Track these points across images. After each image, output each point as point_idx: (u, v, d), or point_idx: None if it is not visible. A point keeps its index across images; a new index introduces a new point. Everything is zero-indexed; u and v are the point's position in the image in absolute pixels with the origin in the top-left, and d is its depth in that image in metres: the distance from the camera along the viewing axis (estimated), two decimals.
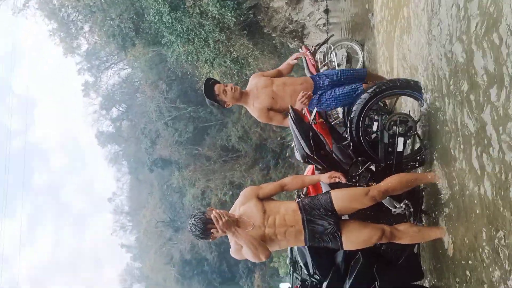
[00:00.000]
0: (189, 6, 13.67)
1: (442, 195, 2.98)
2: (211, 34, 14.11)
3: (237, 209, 2.98)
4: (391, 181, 2.98)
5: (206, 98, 3.73)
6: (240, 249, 2.93)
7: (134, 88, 35.62)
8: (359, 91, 3.55)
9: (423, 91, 3.30)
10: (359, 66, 7.04)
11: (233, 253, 3.03)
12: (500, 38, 1.86)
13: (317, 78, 3.70)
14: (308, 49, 6.71)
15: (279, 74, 3.92)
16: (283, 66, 4.06)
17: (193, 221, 2.85)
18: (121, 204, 51.34)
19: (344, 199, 2.93)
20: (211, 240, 3.00)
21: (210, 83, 3.68)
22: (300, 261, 3.88)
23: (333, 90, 3.64)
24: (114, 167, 51.08)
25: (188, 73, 21.88)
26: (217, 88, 3.65)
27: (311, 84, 3.65)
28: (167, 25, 14.57)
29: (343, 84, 3.67)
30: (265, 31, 14.82)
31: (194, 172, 26.65)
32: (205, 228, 2.82)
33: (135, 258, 51.32)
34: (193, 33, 14.33)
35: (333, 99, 3.65)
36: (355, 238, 2.92)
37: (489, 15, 1.97)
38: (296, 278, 4.31)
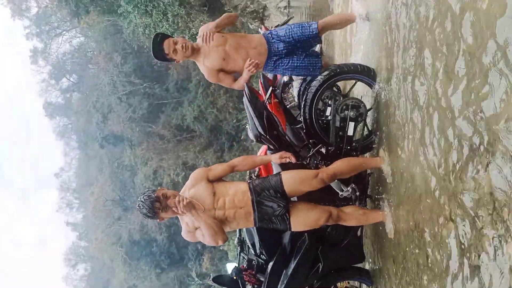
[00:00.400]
0: None
1: (386, 181, 3.05)
2: (170, 8, 13.68)
3: (186, 191, 2.94)
4: (340, 165, 3.04)
5: (153, 56, 3.55)
6: (193, 232, 2.91)
7: (86, 58, 34.12)
8: (317, 67, 3.54)
9: (377, 78, 3.33)
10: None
11: (185, 235, 2.99)
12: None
13: (272, 41, 3.51)
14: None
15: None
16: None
17: (141, 199, 2.81)
18: (69, 180, 49.68)
19: (294, 181, 2.95)
20: (159, 220, 2.96)
21: (158, 40, 3.45)
22: (247, 241, 3.89)
23: (291, 59, 3.54)
24: (62, 140, 49.13)
25: (145, 47, 21.23)
26: (166, 46, 3.42)
27: (265, 49, 3.48)
28: None
29: (299, 50, 3.55)
30: (226, 9, 14.54)
31: (147, 150, 26.16)
32: (152, 206, 2.77)
33: (81, 237, 49.98)
34: (152, 5, 13.84)
35: (291, 68, 3.57)
36: (303, 220, 2.96)
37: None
38: (243, 258, 4.32)
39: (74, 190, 49.50)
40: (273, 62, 3.57)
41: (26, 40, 35.03)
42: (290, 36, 3.47)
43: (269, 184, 2.95)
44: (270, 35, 3.53)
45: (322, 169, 3.06)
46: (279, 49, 3.50)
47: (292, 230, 3.02)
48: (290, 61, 3.56)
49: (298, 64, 3.56)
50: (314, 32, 3.46)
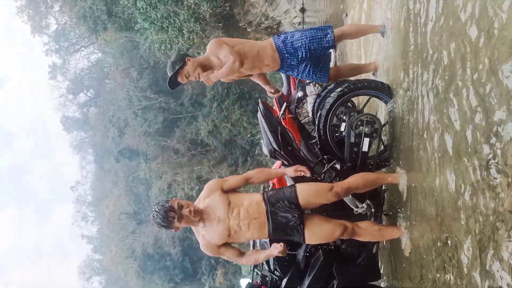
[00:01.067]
0: None
1: (402, 197, 3.02)
2: (185, 24, 13.88)
3: (201, 202, 2.96)
4: (355, 179, 3.02)
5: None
6: (211, 245, 2.94)
7: (103, 74, 34.72)
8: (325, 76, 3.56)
9: (392, 94, 3.33)
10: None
11: (203, 248, 3.01)
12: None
13: (285, 55, 3.44)
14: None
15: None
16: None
17: (156, 208, 2.85)
18: (84, 193, 50.12)
19: (309, 193, 2.94)
20: (173, 230, 2.95)
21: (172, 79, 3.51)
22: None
23: (303, 69, 3.54)
24: (79, 154, 49.79)
25: (161, 62, 21.50)
26: (180, 77, 3.51)
27: (278, 64, 3.47)
28: (141, 10, 14.23)
29: (313, 60, 3.50)
30: (240, 25, 14.70)
31: (161, 164, 26.29)
32: (166, 216, 2.79)
33: (95, 250, 50.20)
34: (168, 21, 14.06)
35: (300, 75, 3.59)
36: (317, 232, 2.94)
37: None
38: (257, 274, 4.29)
39: (89, 203, 49.89)
40: (285, 72, 3.62)
41: (45, 56, 35.88)
42: (307, 48, 3.39)
43: (284, 195, 2.95)
44: (283, 45, 3.42)
45: (337, 183, 3.04)
46: (292, 63, 3.49)
47: (307, 242, 3.01)
48: (301, 72, 3.55)
49: (309, 73, 3.56)
50: (330, 43, 3.43)
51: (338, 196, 2.94)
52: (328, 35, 3.41)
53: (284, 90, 6.20)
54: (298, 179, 3.13)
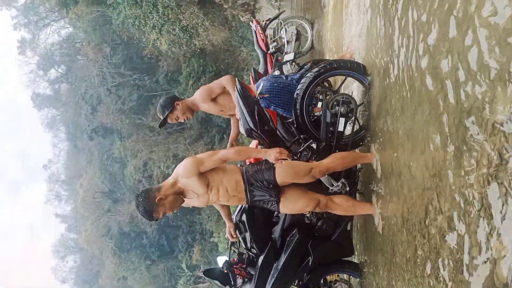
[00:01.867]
0: None
1: (376, 175, 3.09)
2: None
3: (179, 179, 3.03)
4: (332, 161, 3.12)
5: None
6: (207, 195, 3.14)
7: (75, 49, 33.62)
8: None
9: (367, 74, 3.36)
10: (307, 45, 7.08)
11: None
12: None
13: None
14: (259, 24, 6.65)
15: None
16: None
17: (140, 202, 3.00)
18: (57, 172, 49.23)
19: (287, 174, 3.04)
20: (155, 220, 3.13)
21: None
22: (238, 235, 3.91)
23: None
24: (51, 132, 48.60)
25: (135, 38, 20.99)
26: (169, 118, 3.88)
27: None
28: None
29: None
30: (216, 1, 14.42)
31: (136, 142, 25.97)
32: (149, 212, 3.00)
33: (70, 229, 49.70)
34: None
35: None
36: (291, 206, 3.11)
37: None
38: (234, 251, 4.35)
39: (63, 182, 49.08)
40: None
41: (13, 30, 34.46)
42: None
43: (262, 176, 3.04)
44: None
45: (316, 164, 3.12)
46: (276, 101, 3.56)
47: (281, 212, 3.27)
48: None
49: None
50: None
51: (315, 178, 3.07)
52: None
53: (261, 69, 6.21)
54: None
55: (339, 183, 3.27)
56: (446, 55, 1.81)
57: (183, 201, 3.10)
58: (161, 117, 3.83)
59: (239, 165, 3.23)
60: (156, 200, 2.95)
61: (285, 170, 3.02)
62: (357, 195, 3.56)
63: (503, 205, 1.39)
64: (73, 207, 47.28)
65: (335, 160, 3.10)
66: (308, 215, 3.52)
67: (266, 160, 3.05)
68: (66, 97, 38.46)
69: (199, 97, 3.82)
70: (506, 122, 1.37)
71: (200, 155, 3.09)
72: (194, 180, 2.97)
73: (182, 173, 3.00)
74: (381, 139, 2.97)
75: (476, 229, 1.56)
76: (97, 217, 35.17)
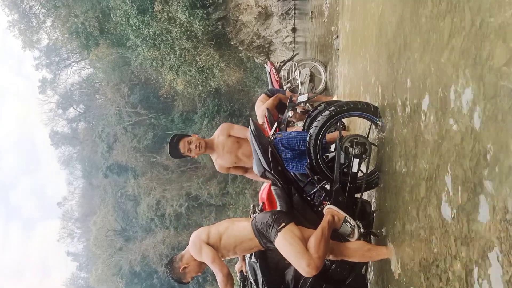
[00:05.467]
0: (158, 11, 13.53)
1: (391, 218, 3.03)
2: (177, 41, 14.01)
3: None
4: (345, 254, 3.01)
5: (170, 156, 3.99)
6: None
7: (94, 89, 34.67)
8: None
9: (381, 116, 3.37)
10: (321, 86, 7.18)
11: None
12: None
13: (280, 148, 3.69)
14: (273, 65, 6.81)
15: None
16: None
17: (167, 272, 3.19)
18: (71, 209, 49.48)
19: (284, 248, 2.84)
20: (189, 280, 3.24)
21: (174, 141, 3.87)
22: (250, 277, 3.83)
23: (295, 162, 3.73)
24: (67, 169, 49.27)
25: (152, 78, 21.61)
26: (181, 146, 3.86)
27: None
28: (134, 27, 14.34)
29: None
30: (232, 43, 14.87)
31: (150, 180, 26.14)
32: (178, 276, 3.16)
33: (81, 268, 49.33)
34: (160, 39, 14.18)
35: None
36: None
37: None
38: None
39: (76, 219, 49.18)
40: None
41: (35, 70, 35.79)
42: (299, 147, 3.68)
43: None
44: (279, 143, 3.69)
45: (312, 258, 2.75)
46: (287, 157, 3.71)
47: (276, 244, 3.00)
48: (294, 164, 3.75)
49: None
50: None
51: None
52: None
53: (269, 88, 6.49)
54: (299, 216, 3.16)
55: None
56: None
57: (206, 264, 3.15)
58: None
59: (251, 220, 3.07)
60: (180, 270, 3.11)
61: (284, 246, 2.82)
62: (372, 237, 3.48)
63: None
64: (85, 245, 47.12)
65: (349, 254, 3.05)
66: None
67: (276, 223, 2.88)
68: (83, 135, 39.28)
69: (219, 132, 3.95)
70: None
71: (205, 240, 3.05)
72: (205, 250, 3.03)
73: (194, 255, 3.09)
74: (394, 181, 2.94)
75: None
76: (109, 256, 34.92)
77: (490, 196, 1.57)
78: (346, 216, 3.07)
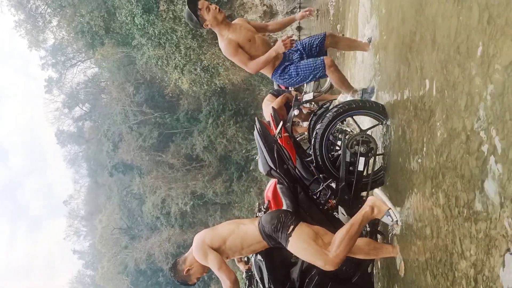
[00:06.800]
0: (163, 10, 13.55)
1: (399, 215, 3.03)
2: (183, 40, 14.03)
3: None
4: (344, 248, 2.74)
5: (187, 7, 3.62)
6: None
7: (99, 88, 34.81)
8: (317, 63, 3.71)
9: (387, 114, 3.37)
10: (326, 84, 7.16)
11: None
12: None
13: (288, 52, 3.79)
14: None
15: (265, 28, 3.96)
16: (276, 22, 4.16)
17: (172, 275, 3.22)
18: (77, 208, 49.74)
19: (297, 250, 2.83)
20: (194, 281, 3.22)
21: None
22: (256, 275, 3.84)
23: (297, 64, 3.77)
24: (73, 168, 49.53)
25: (157, 77, 21.65)
26: (201, 3, 3.57)
27: (281, 54, 3.78)
28: (139, 27, 14.38)
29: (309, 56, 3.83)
30: None
31: (155, 179, 26.21)
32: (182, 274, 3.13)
33: (87, 265, 49.60)
34: (165, 38, 14.21)
35: (292, 75, 3.79)
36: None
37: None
38: None
39: (82, 217, 49.46)
40: (282, 67, 3.80)
41: (41, 70, 35.99)
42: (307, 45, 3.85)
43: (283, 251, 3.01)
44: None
45: (334, 253, 2.69)
46: (293, 58, 3.78)
47: (288, 248, 2.92)
48: (294, 67, 3.77)
49: (302, 66, 3.75)
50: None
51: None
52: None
53: (275, 86, 6.78)
54: (304, 212, 3.14)
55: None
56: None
57: None
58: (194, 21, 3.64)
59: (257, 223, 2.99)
60: (184, 272, 3.11)
61: (297, 248, 2.78)
62: (379, 236, 3.48)
63: None
64: (91, 243, 47.36)
65: (356, 249, 2.91)
66: None
67: (284, 228, 2.80)
68: (89, 134, 39.48)
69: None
70: None
71: (209, 245, 3.00)
72: (212, 256, 3.01)
73: (199, 260, 3.07)
74: (401, 179, 2.94)
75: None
76: (114, 254, 35.07)
77: (495, 193, 1.57)
78: (389, 209, 2.93)
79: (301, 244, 2.77)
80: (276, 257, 3.52)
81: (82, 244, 50.01)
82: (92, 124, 39.56)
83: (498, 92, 1.56)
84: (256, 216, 3.67)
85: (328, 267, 2.69)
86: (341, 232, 2.69)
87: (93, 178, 43.46)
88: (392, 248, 3.09)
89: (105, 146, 30.23)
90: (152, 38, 14.32)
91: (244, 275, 4.33)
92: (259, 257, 3.57)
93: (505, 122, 1.52)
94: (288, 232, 2.81)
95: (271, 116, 4.90)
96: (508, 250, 1.48)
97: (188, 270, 3.10)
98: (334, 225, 3.21)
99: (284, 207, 3.21)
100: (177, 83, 16.59)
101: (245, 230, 2.99)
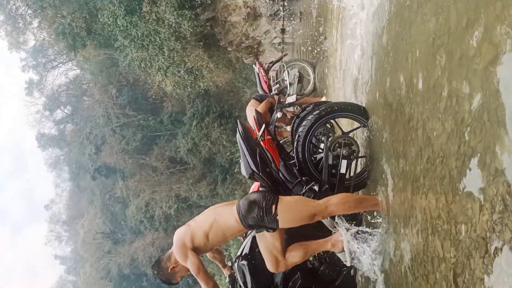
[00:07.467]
0: (146, 12, 13.42)
1: (379, 218, 3.04)
2: (166, 42, 13.91)
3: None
4: (336, 205, 2.92)
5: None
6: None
7: (81, 90, 34.34)
8: None
9: (368, 116, 3.38)
10: (309, 87, 7.19)
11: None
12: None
13: None
14: (262, 66, 6.79)
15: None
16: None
17: (155, 273, 3.11)
18: (58, 212, 48.91)
19: (290, 223, 2.89)
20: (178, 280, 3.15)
21: None
22: (239, 279, 3.81)
23: None
24: (54, 172, 48.69)
25: (140, 79, 21.42)
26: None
27: None
28: (122, 28, 14.20)
29: None
30: (221, 44, 14.81)
31: (139, 182, 25.93)
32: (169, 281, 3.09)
33: (69, 271, 48.77)
34: (148, 39, 14.07)
35: None
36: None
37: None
38: None
39: (63, 222, 48.66)
40: None
41: (22, 72, 35.33)
42: None
43: (264, 224, 2.87)
44: None
45: (319, 210, 2.90)
46: None
47: (280, 227, 2.93)
48: None
49: None
50: None
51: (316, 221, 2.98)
52: None
53: (258, 88, 6.70)
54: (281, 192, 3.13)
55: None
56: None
57: None
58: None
59: (235, 207, 2.96)
60: (169, 270, 3.02)
61: (289, 219, 2.85)
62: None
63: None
64: (73, 248, 46.64)
65: (338, 204, 2.92)
66: (311, 259, 3.44)
67: (268, 212, 2.84)
68: (70, 137, 38.87)
69: None
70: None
71: (188, 245, 2.96)
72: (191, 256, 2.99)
73: (179, 261, 3.01)
74: (383, 181, 2.95)
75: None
76: (97, 259, 34.59)
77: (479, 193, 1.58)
78: (343, 251, 3.08)
79: (290, 213, 2.85)
80: (259, 260, 3.50)
81: (63, 249, 49.20)
82: (74, 127, 38.96)
83: (477, 94, 1.57)
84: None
85: (317, 217, 2.90)
86: (301, 252, 3.08)
87: (75, 182, 42.75)
88: (374, 199, 3.10)
89: (87, 149, 29.80)
90: (135, 39, 14.16)
91: (227, 280, 4.29)
92: (242, 261, 3.54)
93: (483, 124, 1.52)
94: (273, 214, 2.83)
95: (254, 119, 4.88)
96: (486, 252, 1.49)
97: (173, 268, 3.01)
98: (316, 227, 3.20)
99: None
100: (161, 85, 16.44)
101: (226, 223, 2.95)
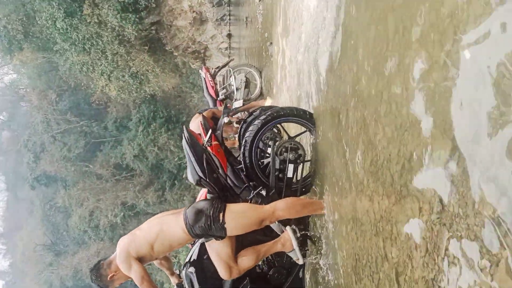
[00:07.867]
0: (87, 14, 12.93)
1: (326, 221, 3.10)
2: (109, 46, 13.48)
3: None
4: (283, 209, 2.95)
5: None
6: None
7: (18, 96, 32.45)
8: None
9: (314, 121, 3.44)
10: (256, 91, 7.23)
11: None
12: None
13: None
14: (208, 71, 6.75)
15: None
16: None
17: (92, 279, 2.99)
18: None
19: (238, 231, 2.89)
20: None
21: None
22: (187, 287, 3.74)
23: None
24: None
25: (82, 84, 20.61)
26: None
27: None
28: (61, 31, 13.59)
29: None
30: (167, 48, 14.58)
31: (82, 190, 24.90)
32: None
33: (8, 286, 45.75)
34: (90, 43, 13.56)
35: None
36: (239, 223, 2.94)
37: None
38: None
39: (1, 235, 45.69)
40: None
41: None
42: None
43: (212, 233, 2.85)
44: None
45: (267, 215, 2.93)
46: None
47: (228, 235, 2.91)
48: None
49: None
50: None
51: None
52: None
53: (205, 93, 6.74)
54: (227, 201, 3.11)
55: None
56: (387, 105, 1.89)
57: None
58: None
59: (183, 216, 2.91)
60: (108, 278, 2.91)
61: (237, 227, 2.85)
62: (309, 242, 3.54)
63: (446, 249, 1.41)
64: (11, 262, 43.87)
65: (285, 209, 2.95)
66: (260, 263, 3.44)
67: (215, 220, 2.82)
68: (7, 144, 36.68)
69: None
70: None
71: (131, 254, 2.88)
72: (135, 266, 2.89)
73: (122, 270, 2.90)
74: (328, 185, 3.01)
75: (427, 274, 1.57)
76: (38, 272, 32.84)
77: (418, 194, 1.64)
78: (294, 250, 3.11)
79: (238, 221, 2.84)
80: (207, 268, 3.45)
81: (1, 263, 46.15)
82: (10, 134, 36.77)
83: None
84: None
85: (265, 222, 2.91)
86: (251, 257, 3.03)
87: (13, 192, 40.35)
88: (319, 203, 3.14)
89: (25, 157, 28.20)
90: (76, 43, 13.58)
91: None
92: (190, 269, 3.47)
93: (420, 130, 1.59)
94: (221, 222, 2.81)
95: (201, 123, 4.82)
96: (427, 251, 1.55)
97: (113, 275, 2.92)
98: (264, 232, 3.21)
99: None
100: (104, 90, 15.89)
101: (172, 233, 2.89)
